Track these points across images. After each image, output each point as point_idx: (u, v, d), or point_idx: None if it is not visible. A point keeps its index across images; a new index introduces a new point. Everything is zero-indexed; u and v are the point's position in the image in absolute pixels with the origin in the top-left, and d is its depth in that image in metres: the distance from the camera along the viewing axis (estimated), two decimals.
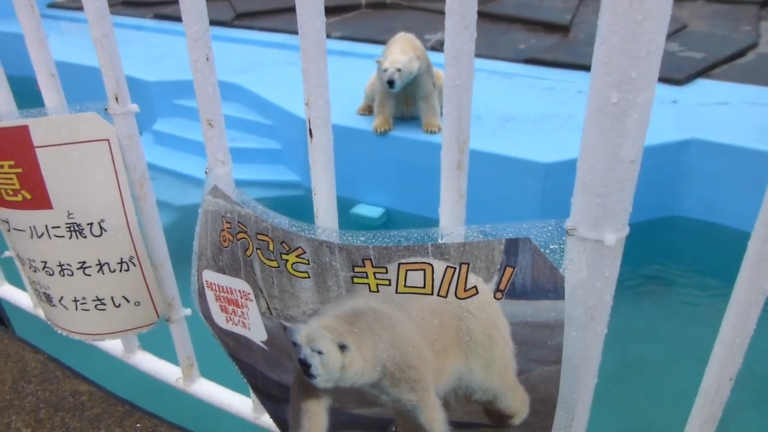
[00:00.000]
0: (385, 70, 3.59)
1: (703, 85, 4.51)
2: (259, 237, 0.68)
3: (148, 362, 1.16)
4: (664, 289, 3.31)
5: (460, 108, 0.60)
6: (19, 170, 0.86)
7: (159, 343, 1.19)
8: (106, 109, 0.84)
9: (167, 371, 1.13)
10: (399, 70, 3.59)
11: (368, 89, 4.07)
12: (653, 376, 2.62)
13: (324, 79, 0.67)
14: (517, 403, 0.66)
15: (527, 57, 4.99)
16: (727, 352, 0.64)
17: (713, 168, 3.56)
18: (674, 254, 3.49)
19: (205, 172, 0.79)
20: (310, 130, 0.69)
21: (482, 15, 5.19)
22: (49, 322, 1.06)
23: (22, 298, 1.37)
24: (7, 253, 1.23)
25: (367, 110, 4.18)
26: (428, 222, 3.94)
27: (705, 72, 4.67)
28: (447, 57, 0.59)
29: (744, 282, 0.60)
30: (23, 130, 0.84)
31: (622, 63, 0.50)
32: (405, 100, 3.89)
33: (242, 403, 1.04)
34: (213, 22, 0.75)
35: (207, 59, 0.72)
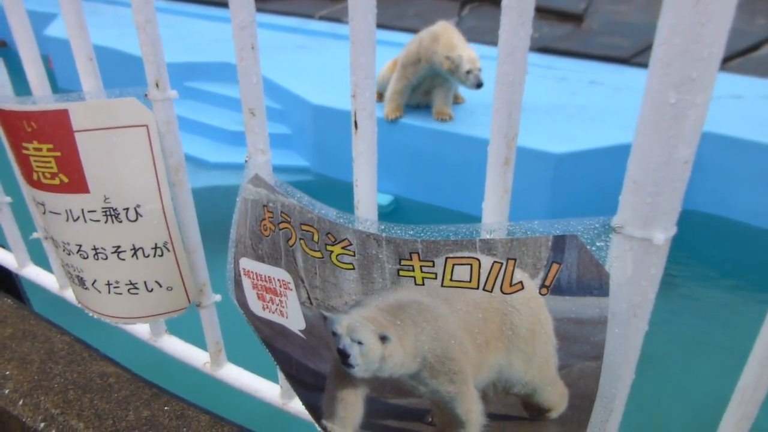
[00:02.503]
0: (469, 72, 3.45)
1: (717, 77, 4.49)
2: (304, 227, 0.69)
3: (174, 346, 1.17)
4: (673, 283, 3.31)
5: (511, 105, 0.60)
6: (58, 154, 0.87)
7: (183, 327, 1.21)
8: (145, 95, 0.85)
9: (194, 355, 1.14)
10: (479, 69, 3.47)
11: (380, 78, 4.06)
12: (660, 368, 2.64)
13: (372, 71, 0.67)
14: (555, 398, 0.67)
15: (540, 46, 4.97)
16: (767, 351, 0.64)
17: (725, 162, 3.55)
18: (684, 248, 3.50)
19: (245, 161, 0.80)
20: (355, 121, 0.69)
21: (494, 2, 5.16)
22: (80, 305, 1.07)
23: (47, 280, 1.38)
24: (35, 235, 1.24)
25: (378, 97, 4.18)
26: (437, 210, 3.95)
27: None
28: (501, 53, 0.59)
29: None
30: (63, 114, 0.84)
31: (683, 64, 0.50)
32: (425, 91, 3.87)
33: (270, 389, 1.06)
34: (223, 4, 0.75)
35: (252, 48, 0.73)
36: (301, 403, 0.89)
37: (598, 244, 0.61)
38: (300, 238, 0.70)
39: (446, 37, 3.56)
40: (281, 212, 0.72)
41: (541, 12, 5.59)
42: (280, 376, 1.01)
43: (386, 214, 4.02)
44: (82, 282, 0.99)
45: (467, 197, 3.78)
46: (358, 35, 0.65)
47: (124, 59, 5.20)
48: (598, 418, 0.69)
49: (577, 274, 0.61)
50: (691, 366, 2.68)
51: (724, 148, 3.53)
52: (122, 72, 4.56)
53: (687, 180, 0.56)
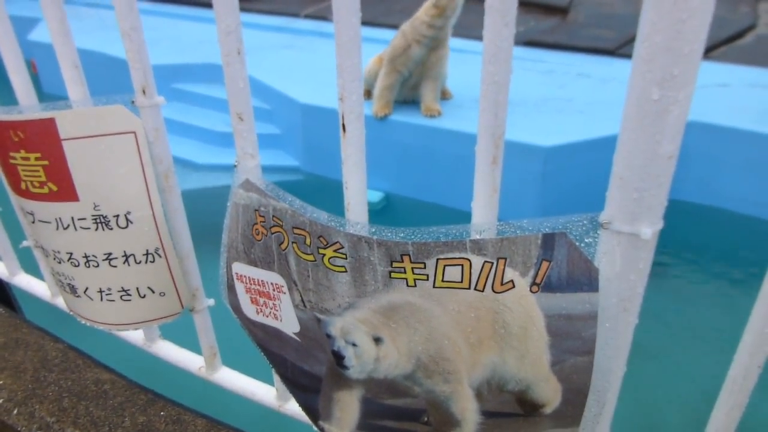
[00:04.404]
0: None
1: (702, 66, 4.48)
2: (296, 231, 0.69)
3: (169, 351, 1.17)
4: (662, 272, 3.34)
5: (497, 104, 0.61)
6: (46, 162, 0.86)
7: (178, 332, 1.21)
8: (132, 102, 0.85)
9: (189, 360, 1.15)
10: None
11: (367, 73, 4.06)
12: (651, 358, 2.66)
13: (358, 73, 0.67)
14: (549, 393, 0.68)
15: (526, 39, 4.98)
16: (756, 340, 0.65)
17: (713, 151, 3.57)
18: (672, 238, 3.52)
19: (234, 166, 0.80)
20: (343, 125, 0.69)
21: None
22: (71, 313, 1.07)
23: (38, 287, 1.37)
24: (25, 243, 1.23)
25: (366, 95, 4.17)
26: (428, 206, 3.96)
27: (704, 53, 4.67)
28: (486, 54, 0.59)
29: None
30: (50, 123, 0.84)
31: (664, 61, 0.51)
32: (413, 85, 3.87)
33: (266, 392, 1.06)
34: (210, 5, 0.75)
35: (238, 53, 0.73)
36: (297, 404, 0.89)
37: (586, 240, 0.61)
38: (292, 242, 0.70)
39: (418, 11, 3.67)
40: (273, 216, 0.72)
41: (527, 6, 5.60)
42: (276, 378, 1.01)
43: (377, 211, 4.02)
44: (73, 290, 0.99)
45: (457, 193, 3.79)
46: (343, 38, 0.65)
47: (108, 62, 5.16)
48: (592, 412, 0.70)
49: (567, 271, 0.62)
50: (681, 355, 2.71)
51: (711, 136, 3.55)
52: (107, 75, 4.53)
53: (672, 175, 0.56)
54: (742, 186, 3.50)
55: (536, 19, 5.41)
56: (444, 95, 4.12)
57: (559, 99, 4.07)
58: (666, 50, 0.50)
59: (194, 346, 1.14)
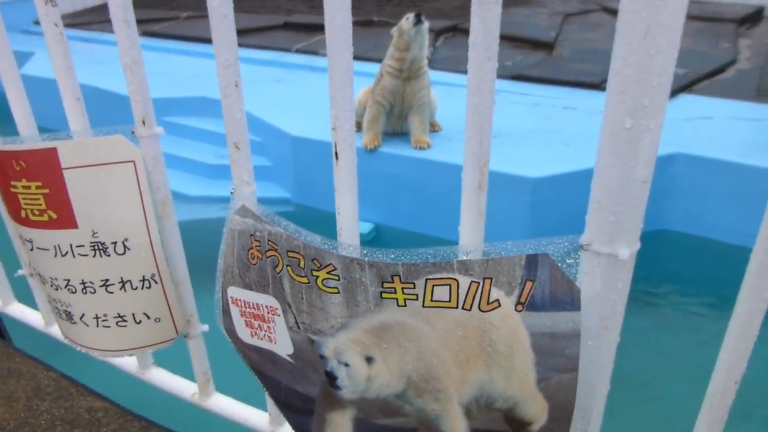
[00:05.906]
0: (407, 18, 3.67)
1: (686, 100, 4.62)
2: (290, 254, 0.72)
3: (162, 378, 1.18)
4: (651, 301, 3.37)
5: (482, 133, 0.64)
6: (47, 191, 0.89)
7: (170, 359, 1.22)
8: (132, 132, 0.88)
9: (182, 387, 1.15)
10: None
11: (357, 104, 4.13)
12: (640, 384, 2.67)
13: (350, 104, 0.71)
14: (536, 410, 0.70)
15: (513, 73, 5.08)
16: (732, 357, 0.68)
17: (698, 182, 3.64)
18: (660, 266, 3.56)
19: (231, 193, 0.83)
20: (336, 153, 0.73)
21: (468, 33, 5.24)
22: (66, 340, 1.08)
23: (32, 317, 1.38)
24: (20, 272, 1.24)
25: (356, 126, 4.23)
26: (417, 237, 3.99)
27: (688, 87, 4.79)
28: (470, 86, 0.63)
29: (747, 291, 0.65)
30: (52, 152, 0.87)
31: (635, 92, 0.54)
32: (398, 116, 3.95)
33: (259, 417, 1.07)
34: (201, 40, 0.79)
35: (236, 86, 0.76)
36: (290, 429, 0.91)
37: (568, 261, 0.64)
38: (287, 265, 0.73)
39: None
40: (268, 240, 0.74)
41: (514, 41, 5.73)
42: (269, 403, 1.02)
43: (367, 242, 4.04)
44: (69, 316, 1.01)
45: (447, 223, 3.82)
46: (336, 72, 0.69)
47: (97, 95, 5.21)
48: (578, 429, 0.72)
49: (549, 291, 0.64)
50: (669, 382, 2.72)
51: (697, 168, 3.62)
52: (96, 108, 4.56)
53: (647, 198, 0.60)
54: (727, 216, 3.56)
55: (523, 53, 5.53)
56: (433, 128, 4.19)
57: (546, 131, 4.14)
58: (636, 83, 0.54)
59: (187, 373, 1.15)
